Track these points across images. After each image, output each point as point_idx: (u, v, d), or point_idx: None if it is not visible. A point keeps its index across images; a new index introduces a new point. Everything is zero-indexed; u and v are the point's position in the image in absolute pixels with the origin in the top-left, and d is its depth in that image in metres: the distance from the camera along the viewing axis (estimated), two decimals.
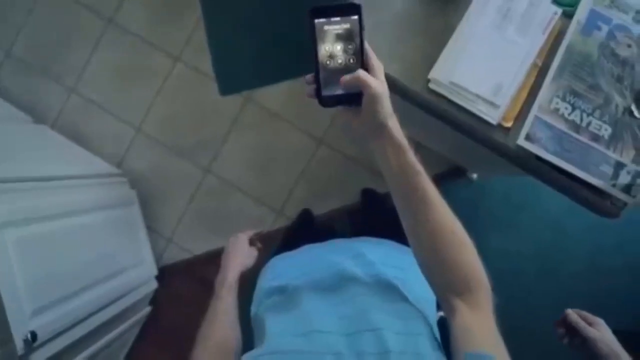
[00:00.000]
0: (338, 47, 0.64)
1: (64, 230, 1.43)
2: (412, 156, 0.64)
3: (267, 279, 0.92)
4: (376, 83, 0.61)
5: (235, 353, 0.76)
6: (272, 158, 2.00)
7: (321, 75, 0.64)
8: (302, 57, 1.97)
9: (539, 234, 1.93)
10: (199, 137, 2.02)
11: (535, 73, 0.90)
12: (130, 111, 2.04)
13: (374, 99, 0.61)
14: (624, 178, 0.88)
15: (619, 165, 0.88)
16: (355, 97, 0.63)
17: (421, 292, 0.81)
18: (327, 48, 0.64)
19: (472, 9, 0.91)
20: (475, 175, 1.88)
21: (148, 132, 2.04)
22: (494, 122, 0.89)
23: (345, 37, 0.63)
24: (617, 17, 0.91)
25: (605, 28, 0.90)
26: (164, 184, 2.02)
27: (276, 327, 0.72)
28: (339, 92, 0.64)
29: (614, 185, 0.88)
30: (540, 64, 0.90)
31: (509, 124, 0.90)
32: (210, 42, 1.99)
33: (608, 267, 1.94)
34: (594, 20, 0.90)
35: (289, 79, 1.94)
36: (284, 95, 1.97)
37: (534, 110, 0.88)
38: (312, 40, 0.64)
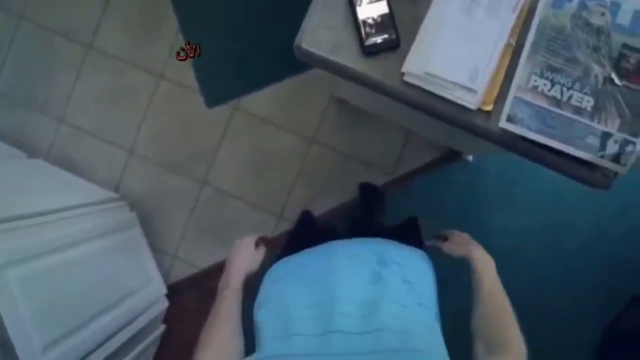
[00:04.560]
0: (372, 7, 0.87)
1: (67, 261, 1.43)
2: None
3: (266, 284, 0.92)
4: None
5: (237, 357, 0.76)
6: (266, 163, 2.00)
7: (362, 31, 0.87)
8: (283, 60, 1.99)
9: (539, 207, 1.92)
10: (191, 151, 2.02)
11: (510, 53, 0.89)
12: (120, 134, 2.04)
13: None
14: (612, 148, 0.87)
15: (606, 136, 0.87)
16: (392, 42, 0.88)
17: (418, 282, 0.84)
18: (363, 9, 0.88)
19: None
20: (470, 157, 1.87)
21: (141, 153, 2.04)
22: (473, 107, 0.88)
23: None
24: None
25: None
26: (163, 202, 2.03)
27: (270, 332, 0.74)
28: (379, 40, 0.87)
29: (602, 157, 0.87)
30: (514, 43, 0.89)
31: (489, 108, 0.89)
32: None
33: (614, 233, 1.92)
34: None
35: (273, 83, 1.93)
36: (270, 100, 1.96)
37: (513, 91, 0.87)
38: (351, 7, 0.88)
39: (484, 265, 0.89)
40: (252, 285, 0.93)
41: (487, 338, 0.75)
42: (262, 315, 0.79)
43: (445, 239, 1.04)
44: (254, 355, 0.69)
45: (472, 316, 0.81)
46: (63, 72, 2.04)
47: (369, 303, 0.74)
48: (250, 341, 0.79)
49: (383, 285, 0.78)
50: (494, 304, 0.81)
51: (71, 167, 1.99)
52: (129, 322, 1.62)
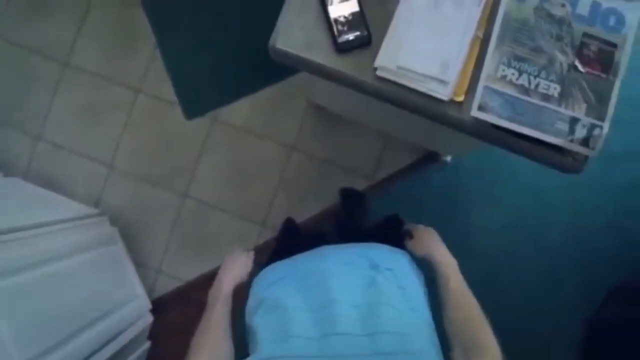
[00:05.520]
0: (343, 5, 0.91)
1: (48, 276, 1.40)
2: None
3: (259, 288, 0.93)
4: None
5: None
6: (247, 173, 2.00)
7: (335, 29, 0.90)
8: (260, 70, 2.01)
9: (518, 204, 1.95)
10: (171, 164, 2.01)
11: (478, 45, 0.92)
12: (99, 149, 2.03)
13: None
14: (580, 132, 0.90)
15: (574, 121, 0.90)
16: (364, 39, 0.91)
17: (410, 287, 0.85)
18: (335, 8, 0.91)
19: None
20: (449, 158, 1.90)
21: (121, 168, 2.02)
22: (445, 98, 0.90)
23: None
24: None
25: None
26: (145, 216, 2.01)
27: (267, 335, 0.74)
28: (351, 37, 0.90)
29: (572, 141, 0.90)
30: (481, 35, 0.92)
31: (460, 98, 0.91)
32: (168, 68, 2.00)
33: (593, 228, 1.95)
34: None
35: (251, 93, 1.95)
36: (249, 110, 1.98)
37: (483, 81, 0.90)
38: (323, 6, 0.91)
39: (447, 266, 0.90)
40: (242, 293, 0.94)
41: (463, 343, 0.75)
42: (258, 318, 0.80)
43: (411, 235, 1.03)
44: (250, 357, 0.69)
45: (443, 319, 0.82)
46: (40, 89, 2.03)
47: (367, 306, 0.75)
48: (237, 349, 0.80)
49: (378, 290, 0.80)
50: (462, 306, 0.82)
51: (50, 184, 1.96)
52: (113, 338, 1.59)
